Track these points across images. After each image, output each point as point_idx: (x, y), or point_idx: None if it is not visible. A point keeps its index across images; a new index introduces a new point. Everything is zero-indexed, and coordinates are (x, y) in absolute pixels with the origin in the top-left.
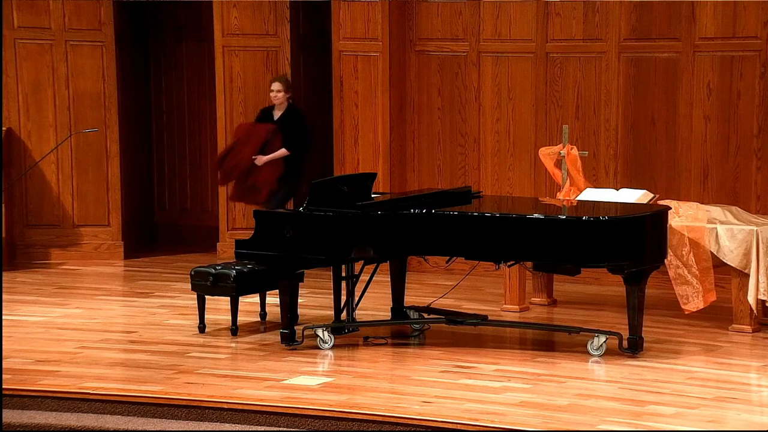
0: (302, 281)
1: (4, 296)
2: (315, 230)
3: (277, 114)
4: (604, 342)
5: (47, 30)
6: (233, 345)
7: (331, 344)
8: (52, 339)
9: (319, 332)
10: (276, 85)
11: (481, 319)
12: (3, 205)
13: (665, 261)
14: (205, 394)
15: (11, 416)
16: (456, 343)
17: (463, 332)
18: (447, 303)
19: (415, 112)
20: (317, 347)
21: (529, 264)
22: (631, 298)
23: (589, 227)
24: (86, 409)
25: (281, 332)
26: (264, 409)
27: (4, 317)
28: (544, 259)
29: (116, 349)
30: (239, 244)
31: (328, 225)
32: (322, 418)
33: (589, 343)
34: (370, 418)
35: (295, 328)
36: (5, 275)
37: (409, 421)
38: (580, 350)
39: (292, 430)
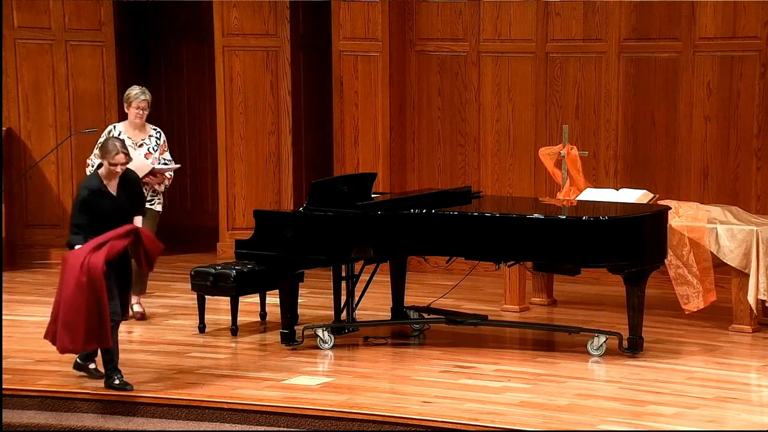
0: (302, 281)
1: (4, 296)
2: (315, 230)
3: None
4: (604, 342)
5: (47, 30)
6: (233, 345)
7: (331, 344)
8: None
9: (319, 332)
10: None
11: (481, 319)
12: (3, 205)
13: (665, 261)
14: (205, 394)
15: (11, 416)
16: (456, 343)
17: (463, 332)
18: (447, 303)
19: (415, 112)
20: (317, 347)
21: (529, 264)
22: (631, 298)
23: (589, 227)
24: (86, 409)
25: (281, 332)
26: (264, 409)
27: (4, 317)
28: (545, 259)
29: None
30: (239, 244)
31: (328, 225)
32: (322, 418)
33: (589, 343)
34: (370, 418)
35: (295, 328)
36: (5, 275)
37: (409, 421)
38: (580, 350)
39: (292, 430)
